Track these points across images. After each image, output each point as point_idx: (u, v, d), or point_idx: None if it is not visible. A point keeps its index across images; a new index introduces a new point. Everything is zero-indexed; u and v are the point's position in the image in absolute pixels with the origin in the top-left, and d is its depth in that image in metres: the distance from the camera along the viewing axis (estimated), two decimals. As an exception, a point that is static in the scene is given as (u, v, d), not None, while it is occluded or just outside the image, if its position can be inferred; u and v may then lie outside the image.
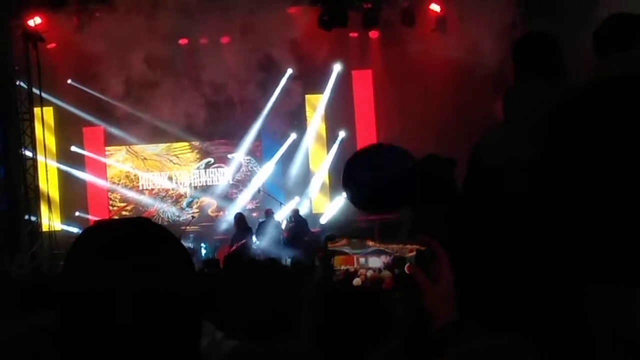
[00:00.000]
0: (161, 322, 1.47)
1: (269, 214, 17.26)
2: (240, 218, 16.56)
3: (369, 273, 1.96)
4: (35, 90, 16.31)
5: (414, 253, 1.89)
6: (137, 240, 1.53)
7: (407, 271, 1.89)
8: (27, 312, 3.94)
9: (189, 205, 19.34)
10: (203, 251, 16.90)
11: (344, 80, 19.07)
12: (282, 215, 17.79)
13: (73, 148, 18.71)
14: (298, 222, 16.84)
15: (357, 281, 1.98)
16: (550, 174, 2.94)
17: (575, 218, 2.66)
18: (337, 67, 18.89)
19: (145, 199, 19.33)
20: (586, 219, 2.64)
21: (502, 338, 1.57)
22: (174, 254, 1.55)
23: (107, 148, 19.23)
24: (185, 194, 19.44)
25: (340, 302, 2.54)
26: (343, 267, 1.98)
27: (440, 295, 1.83)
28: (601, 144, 2.88)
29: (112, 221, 1.70)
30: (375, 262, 1.95)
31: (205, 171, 19.42)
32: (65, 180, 18.53)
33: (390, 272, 1.92)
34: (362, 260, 1.96)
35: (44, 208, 16.53)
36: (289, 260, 14.50)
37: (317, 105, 19.31)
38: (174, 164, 19.42)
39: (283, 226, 16.94)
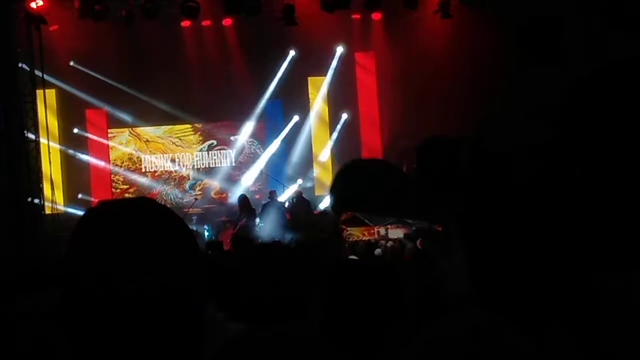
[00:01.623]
0: (165, 302, 1.48)
1: (272, 195, 17.27)
2: (243, 200, 16.57)
3: (389, 244, 1.98)
4: (38, 73, 16.27)
5: (428, 227, 1.90)
6: (141, 221, 1.53)
7: (419, 246, 1.90)
8: (29, 292, 3.95)
9: (192, 187, 19.36)
10: (206, 233, 16.89)
11: (347, 62, 19.03)
12: (285, 197, 17.82)
13: (76, 130, 18.72)
14: (301, 203, 16.84)
15: (378, 251, 2.00)
16: (568, 156, 2.90)
17: (592, 201, 2.64)
18: (339, 49, 18.85)
19: (148, 181, 19.35)
20: (603, 202, 2.62)
21: (482, 316, 1.57)
22: (179, 234, 1.55)
23: (109, 130, 19.22)
24: (188, 176, 19.44)
25: (357, 275, 2.54)
26: (365, 238, 2.00)
27: (453, 270, 1.82)
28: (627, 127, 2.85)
29: (116, 201, 1.69)
30: (396, 232, 1.96)
31: (208, 153, 19.42)
32: (68, 162, 18.55)
33: (412, 242, 1.94)
34: (382, 231, 1.98)
35: (46, 190, 16.53)
36: (292, 242, 14.52)
37: (319, 87, 19.27)
38: (177, 146, 19.41)
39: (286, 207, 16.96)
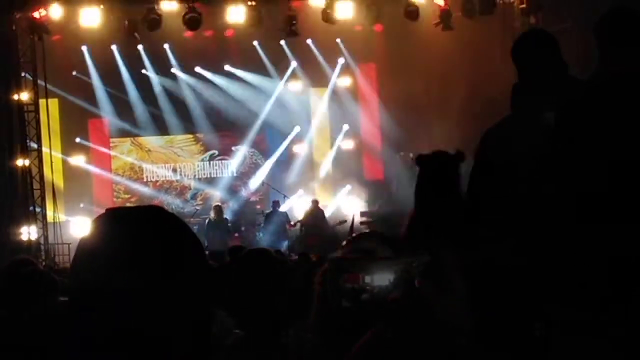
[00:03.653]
0: (174, 309, 1.49)
1: (275, 205, 17.29)
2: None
3: (376, 290, 1.93)
4: (41, 82, 16.31)
5: (421, 267, 1.85)
6: (151, 229, 1.54)
7: (416, 285, 1.85)
8: (36, 300, 3.99)
9: (193, 197, 19.37)
10: (206, 243, 16.86)
11: (348, 73, 19.07)
12: (286, 207, 17.88)
13: (78, 139, 18.75)
14: (315, 213, 16.69)
15: (365, 297, 1.96)
16: (559, 168, 2.94)
17: (584, 208, 2.68)
18: (340, 61, 18.90)
19: (149, 190, 19.36)
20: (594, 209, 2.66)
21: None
22: (187, 243, 1.56)
23: (111, 140, 19.24)
24: (190, 185, 19.46)
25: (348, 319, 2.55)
26: (349, 285, 1.96)
27: (452, 306, 1.78)
28: (603, 144, 2.90)
29: (125, 209, 1.67)
30: (382, 279, 1.93)
31: (210, 163, 19.44)
32: (70, 171, 18.56)
33: (398, 289, 1.90)
34: (367, 278, 1.94)
35: (48, 199, 16.55)
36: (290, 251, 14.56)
37: (321, 98, 19.30)
38: (178, 156, 19.44)
39: (299, 216, 16.91)
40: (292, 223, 16.78)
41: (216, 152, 19.42)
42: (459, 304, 1.83)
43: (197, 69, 18.60)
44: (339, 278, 2.01)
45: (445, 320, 1.79)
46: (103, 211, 1.61)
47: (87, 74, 18.16)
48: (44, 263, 13.67)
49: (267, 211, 17.58)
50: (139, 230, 1.53)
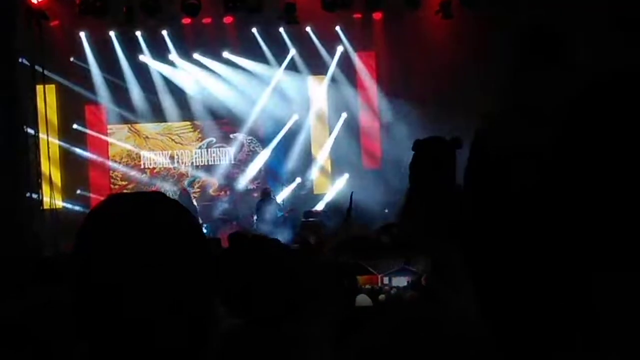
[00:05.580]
0: (174, 296, 1.48)
1: (266, 193, 17.27)
2: None
3: (394, 291, 1.95)
4: (38, 68, 16.27)
5: (430, 266, 1.84)
6: (154, 215, 1.53)
7: (423, 283, 1.86)
8: (33, 288, 3.97)
9: (191, 184, 19.33)
10: (204, 231, 16.82)
11: (347, 62, 19.02)
12: (282, 196, 17.92)
13: (75, 126, 18.69)
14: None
15: (382, 297, 1.97)
16: (565, 161, 2.90)
17: (589, 204, 2.64)
18: (340, 49, 18.84)
19: (146, 177, 19.33)
20: (599, 205, 2.62)
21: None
22: (189, 229, 1.56)
23: (108, 126, 19.19)
24: (187, 173, 19.43)
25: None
26: (367, 286, 1.97)
27: (462, 306, 1.77)
28: (620, 137, 2.85)
29: (128, 195, 1.68)
30: (400, 281, 1.94)
31: (207, 151, 19.41)
32: (67, 158, 18.52)
33: (416, 290, 1.91)
34: (386, 279, 1.96)
35: (45, 186, 16.54)
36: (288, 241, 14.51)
37: (319, 87, 19.26)
38: (176, 143, 19.39)
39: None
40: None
41: (214, 140, 19.38)
42: (469, 302, 1.81)
43: (196, 56, 18.54)
44: (354, 279, 2.01)
45: (457, 318, 1.77)
46: (100, 198, 1.61)
47: (85, 60, 18.11)
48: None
49: (258, 200, 17.55)
50: (142, 216, 1.52)
